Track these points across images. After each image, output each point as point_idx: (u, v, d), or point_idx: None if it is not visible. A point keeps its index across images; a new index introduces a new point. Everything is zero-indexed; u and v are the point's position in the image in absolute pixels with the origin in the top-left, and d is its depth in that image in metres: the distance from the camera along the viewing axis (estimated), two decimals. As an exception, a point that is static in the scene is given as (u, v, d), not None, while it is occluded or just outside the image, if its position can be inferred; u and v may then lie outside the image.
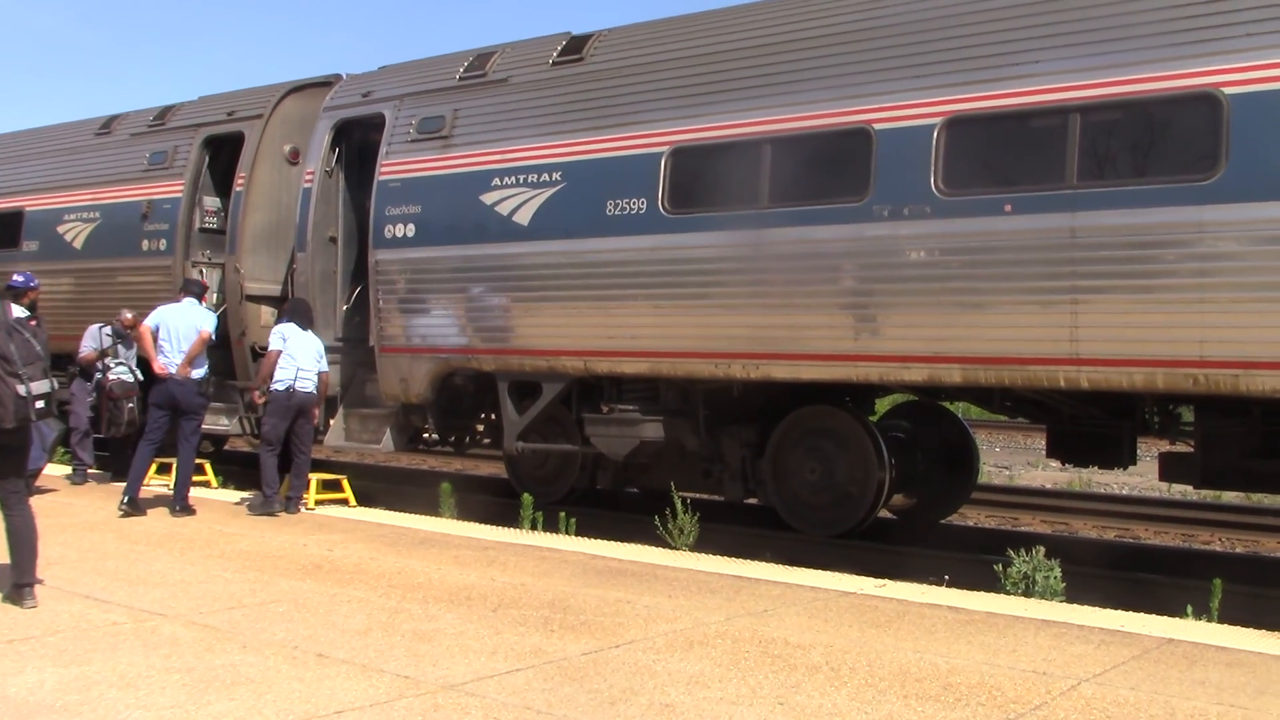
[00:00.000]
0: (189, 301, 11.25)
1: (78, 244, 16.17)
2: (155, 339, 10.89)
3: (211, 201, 15.10)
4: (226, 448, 18.21)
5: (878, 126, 9.65)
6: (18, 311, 7.40)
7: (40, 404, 6.94)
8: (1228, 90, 8.21)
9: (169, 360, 10.82)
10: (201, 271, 14.76)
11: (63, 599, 7.11)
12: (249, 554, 8.90)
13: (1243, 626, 7.24)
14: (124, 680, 5.45)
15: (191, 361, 10.90)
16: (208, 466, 13.61)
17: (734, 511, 12.40)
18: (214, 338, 11.54)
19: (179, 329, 10.90)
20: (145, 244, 15.24)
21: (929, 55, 9.60)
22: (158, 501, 11.14)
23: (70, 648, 6.01)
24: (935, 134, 9.36)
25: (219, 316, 14.32)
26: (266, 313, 14.22)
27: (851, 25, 10.19)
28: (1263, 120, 8.06)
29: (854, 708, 5.23)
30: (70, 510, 10.84)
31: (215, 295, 14.50)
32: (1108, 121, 8.84)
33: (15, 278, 12.47)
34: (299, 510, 11.12)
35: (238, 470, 15.30)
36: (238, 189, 14.39)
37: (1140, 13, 8.71)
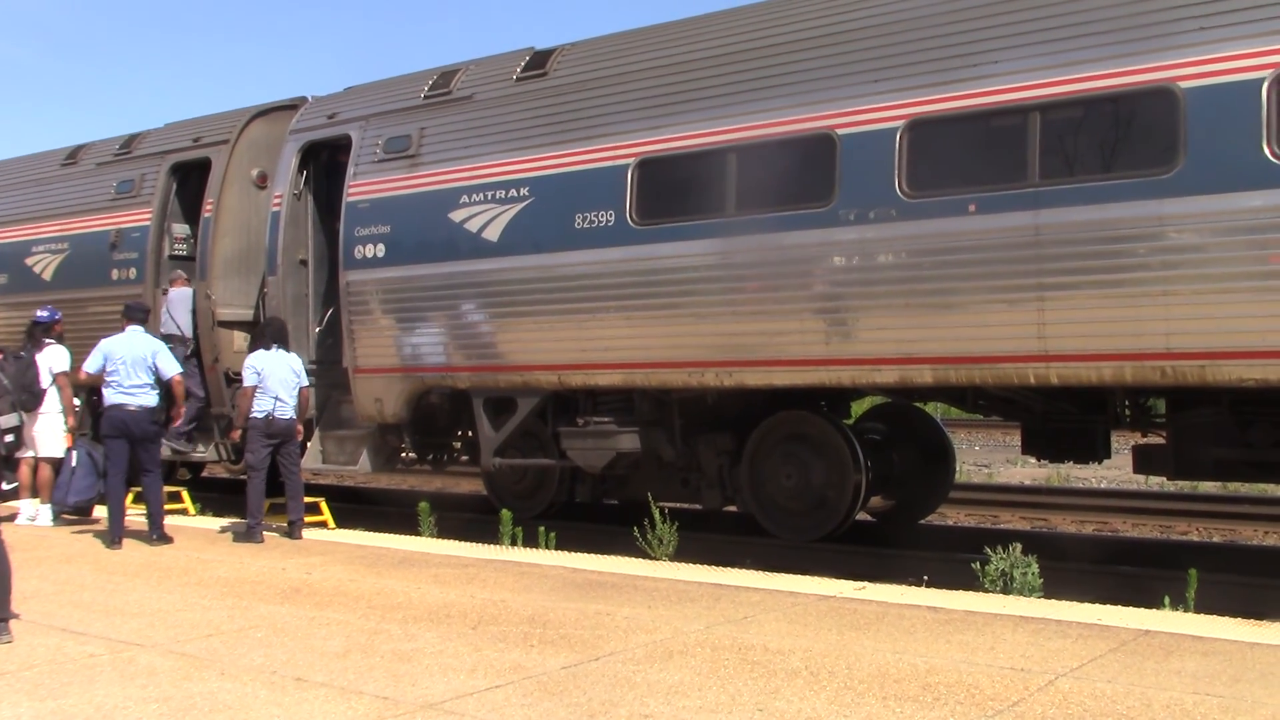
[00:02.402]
0: (134, 329, 10.95)
1: (47, 276, 16.09)
2: (104, 370, 10.66)
3: (180, 228, 15.05)
4: (204, 474, 18.14)
5: (841, 131, 9.71)
6: None
7: (10, 438, 6.92)
8: (1183, 84, 8.30)
9: (118, 390, 10.56)
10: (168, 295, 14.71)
11: (39, 632, 7.06)
12: (227, 580, 8.86)
13: (1220, 615, 7.29)
14: (101, 712, 5.41)
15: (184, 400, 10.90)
16: (185, 494, 13.55)
17: (713, 520, 12.43)
18: (179, 364, 11.49)
19: (128, 359, 10.61)
20: (115, 273, 15.17)
21: (889, 59, 9.67)
22: (134, 532, 11.07)
23: (46, 681, 5.96)
24: (898, 137, 9.43)
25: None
26: (239, 338, 14.17)
27: (812, 32, 10.25)
28: (1218, 113, 8.16)
29: (833, 711, 5.25)
30: (46, 543, 10.76)
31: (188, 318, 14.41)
32: (1067, 119, 8.91)
33: (40, 313, 12.67)
34: (301, 535, 11.01)
35: (216, 497, 15.23)
36: (206, 215, 14.35)
37: (1095, 10, 8.79)
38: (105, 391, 10.71)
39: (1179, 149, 8.30)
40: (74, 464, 11.88)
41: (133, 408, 10.61)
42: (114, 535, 10.57)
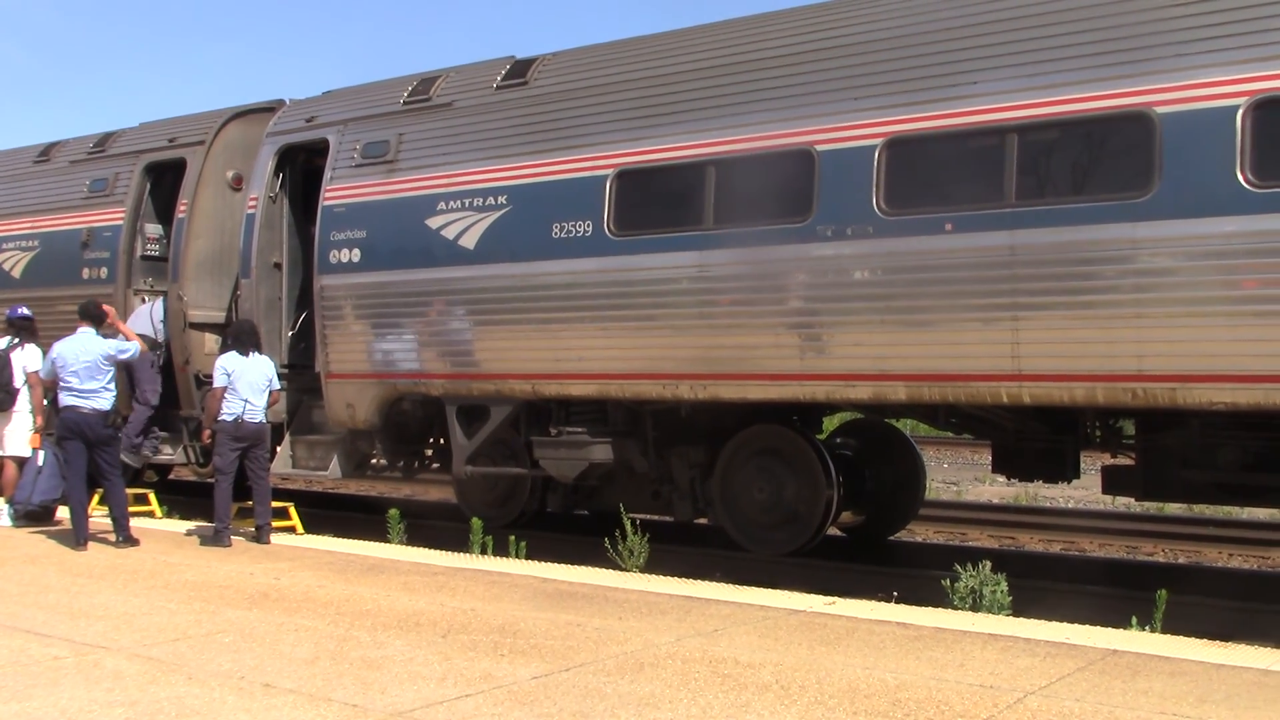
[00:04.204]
0: (85, 330, 10.75)
1: (16, 273, 15.94)
2: (56, 374, 10.54)
3: (154, 229, 14.94)
4: (171, 477, 17.99)
5: (820, 147, 9.75)
6: None
7: None
8: (1159, 109, 8.38)
9: (70, 393, 10.42)
10: (144, 299, 14.62)
11: (2, 634, 6.98)
12: (194, 584, 8.79)
13: (1185, 636, 7.35)
14: (65, 716, 5.36)
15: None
16: (152, 496, 13.44)
17: (684, 532, 12.42)
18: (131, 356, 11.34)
19: (79, 362, 10.45)
20: (86, 272, 15.04)
21: (869, 77, 9.73)
22: (100, 534, 10.96)
23: (10, 684, 5.89)
24: (876, 154, 9.48)
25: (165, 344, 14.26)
26: (211, 340, 14.07)
27: (792, 48, 10.30)
28: (1193, 138, 8.25)
29: (803, 725, 5.26)
30: (10, 543, 10.64)
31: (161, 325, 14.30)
32: (1044, 141, 9.00)
33: (21, 310, 12.56)
34: (269, 540, 10.91)
35: (183, 500, 15.11)
36: (180, 216, 14.25)
37: (1074, 34, 8.88)
38: (59, 394, 10.58)
39: (1154, 173, 8.38)
40: (40, 464, 11.75)
41: (85, 410, 10.46)
42: (78, 537, 10.46)
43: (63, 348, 10.66)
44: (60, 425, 10.68)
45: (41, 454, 11.78)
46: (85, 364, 10.49)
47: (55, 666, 6.25)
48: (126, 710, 5.44)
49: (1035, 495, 17.44)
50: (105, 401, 10.61)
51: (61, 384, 10.54)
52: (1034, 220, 8.80)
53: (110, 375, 10.69)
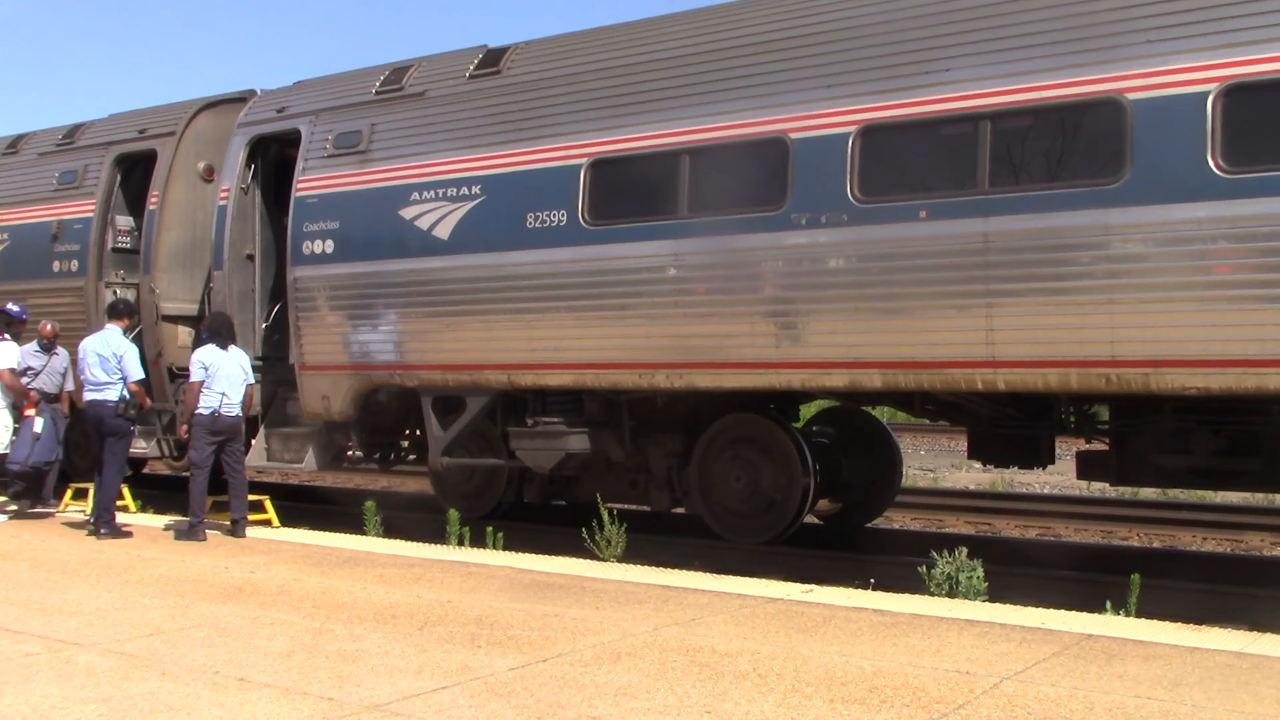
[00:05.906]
0: (111, 327, 11.09)
1: (-14, 266, 15.80)
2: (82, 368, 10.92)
3: (124, 221, 14.84)
4: (145, 471, 17.87)
5: (794, 135, 9.75)
6: None
7: None
8: (1131, 96, 8.41)
9: (89, 387, 10.84)
10: (115, 292, 14.51)
11: (-27, 631, 6.92)
12: (169, 579, 8.73)
13: (1160, 620, 7.40)
14: (38, 713, 5.30)
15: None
16: (125, 491, 13.31)
17: (662, 521, 12.43)
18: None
19: (94, 355, 10.85)
20: (57, 265, 14.94)
21: (843, 64, 9.73)
22: (73, 528, 10.90)
23: (-19, 681, 5.85)
24: (850, 142, 9.48)
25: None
26: (184, 333, 14.01)
27: (766, 36, 10.28)
28: (1164, 124, 8.28)
29: (781, 713, 5.25)
30: (-18, 540, 10.56)
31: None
32: (1017, 128, 9.01)
33: (10, 306, 12.47)
34: (244, 534, 10.88)
35: (157, 494, 15.01)
36: (151, 208, 14.16)
37: (1046, 21, 8.90)
38: (84, 389, 10.97)
39: (1125, 160, 8.41)
40: (36, 430, 11.75)
41: (99, 402, 10.83)
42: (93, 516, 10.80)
43: (88, 343, 11.03)
44: (85, 419, 11.11)
45: (40, 420, 11.81)
46: (99, 357, 10.82)
47: (28, 663, 6.20)
48: (100, 707, 5.39)
49: (1011, 481, 17.53)
50: (114, 393, 10.85)
51: (83, 378, 10.94)
52: (1007, 207, 8.82)
53: (120, 373, 10.92)
